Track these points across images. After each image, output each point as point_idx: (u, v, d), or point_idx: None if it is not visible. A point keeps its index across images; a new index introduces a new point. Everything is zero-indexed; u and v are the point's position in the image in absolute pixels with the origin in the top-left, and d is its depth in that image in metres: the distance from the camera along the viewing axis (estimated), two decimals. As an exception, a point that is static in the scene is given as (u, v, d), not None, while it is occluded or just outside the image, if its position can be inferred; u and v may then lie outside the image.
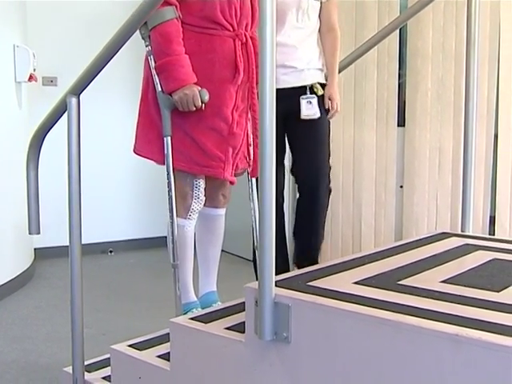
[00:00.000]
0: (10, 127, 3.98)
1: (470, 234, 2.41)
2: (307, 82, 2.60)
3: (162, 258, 4.92)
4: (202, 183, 2.32)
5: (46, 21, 4.74)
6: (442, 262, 1.86)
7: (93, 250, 4.76)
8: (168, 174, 2.21)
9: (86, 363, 2.10)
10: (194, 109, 2.13)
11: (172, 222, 2.25)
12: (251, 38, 2.26)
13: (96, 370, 2.12)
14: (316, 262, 2.68)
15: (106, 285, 4.17)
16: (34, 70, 4.18)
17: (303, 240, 2.79)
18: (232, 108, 2.22)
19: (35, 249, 4.57)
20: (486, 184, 4.09)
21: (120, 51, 1.96)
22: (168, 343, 1.82)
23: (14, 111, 4.07)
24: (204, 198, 2.34)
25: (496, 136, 4.09)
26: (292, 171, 2.69)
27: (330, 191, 2.70)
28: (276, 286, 1.51)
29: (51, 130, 2.13)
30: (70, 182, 2.02)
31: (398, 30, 3.96)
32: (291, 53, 2.57)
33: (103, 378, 2.06)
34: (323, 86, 2.66)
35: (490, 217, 4.14)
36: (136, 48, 4.97)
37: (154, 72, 2.18)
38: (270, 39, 1.44)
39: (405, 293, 1.51)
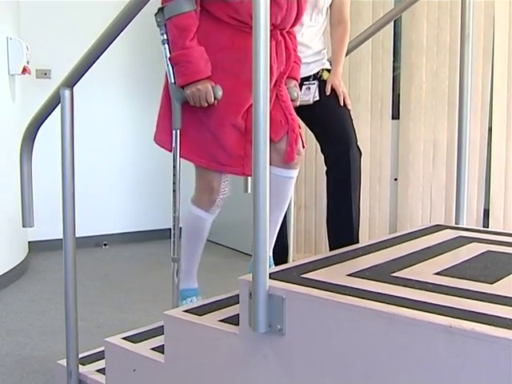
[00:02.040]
0: (3, 120, 3.96)
1: (464, 226, 2.42)
2: (314, 72, 2.64)
3: (157, 251, 4.92)
4: (228, 178, 2.26)
5: (40, 13, 4.72)
6: (435, 254, 1.87)
7: (87, 243, 4.75)
8: (174, 167, 2.15)
9: (80, 356, 2.11)
10: (206, 105, 2.07)
11: (175, 217, 2.21)
12: (288, 33, 2.20)
13: (90, 363, 2.12)
14: (357, 241, 2.56)
15: (101, 278, 4.17)
16: (28, 62, 4.16)
17: (341, 218, 2.60)
18: (250, 104, 2.09)
19: (29, 242, 4.56)
20: (480, 177, 4.10)
21: (114, 43, 1.96)
22: (162, 336, 1.82)
23: (7, 104, 4.05)
24: (228, 192, 2.27)
25: (490, 129, 4.10)
26: (323, 152, 2.63)
27: (360, 153, 2.57)
28: (270, 278, 1.51)
29: (45, 122, 2.12)
30: (63, 174, 2.02)
31: (392, 23, 3.97)
32: (304, 51, 2.60)
33: (97, 370, 2.06)
34: (329, 70, 2.70)
35: (484, 210, 4.15)
36: (131, 40, 4.98)
37: (167, 62, 2.13)
38: (264, 39, 1.44)
39: (399, 285, 1.52)
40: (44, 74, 4.76)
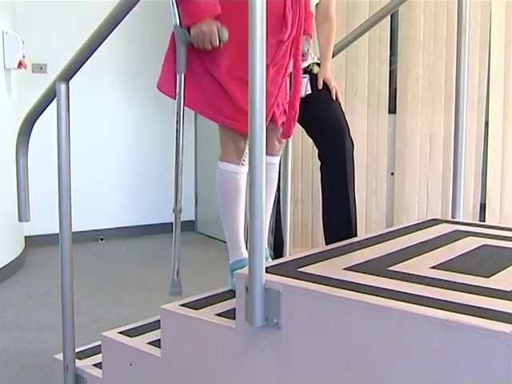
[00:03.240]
0: (-1, 114, 3.96)
1: (461, 220, 2.42)
2: (304, 66, 2.64)
3: (153, 246, 4.92)
4: None
5: (36, 7, 4.70)
6: (432, 248, 1.87)
7: (84, 238, 4.75)
8: (177, 117, 2.01)
9: (77, 350, 2.10)
10: (211, 47, 1.96)
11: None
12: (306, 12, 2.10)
13: (87, 357, 2.12)
14: (356, 235, 2.57)
15: (97, 272, 4.17)
16: (24, 56, 4.15)
17: (340, 212, 2.57)
18: (269, 63, 1.96)
19: (26, 237, 4.56)
20: (477, 171, 4.10)
21: (110, 37, 1.95)
22: (159, 330, 1.82)
23: (3, 98, 4.04)
24: None
25: (487, 123, 4.10)
26: (317, 145, 2.62)
27: (353, 145, 2.56)
28: (266, 272, 1.51)
29: (42, 116, 2.12)
30: (59, 169, 2.01)
31: (389, 17, 3.96)
32: None
33: (94, 365, 2.06)
34: (319, 64, 2.70)
35: (481, 204, 4.16)
36: (127, 34, 4.96)
37: (172, 1, 2.00)
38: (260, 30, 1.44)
39: (395, 279, 1.52)
40: (40, 68, 4.75)
